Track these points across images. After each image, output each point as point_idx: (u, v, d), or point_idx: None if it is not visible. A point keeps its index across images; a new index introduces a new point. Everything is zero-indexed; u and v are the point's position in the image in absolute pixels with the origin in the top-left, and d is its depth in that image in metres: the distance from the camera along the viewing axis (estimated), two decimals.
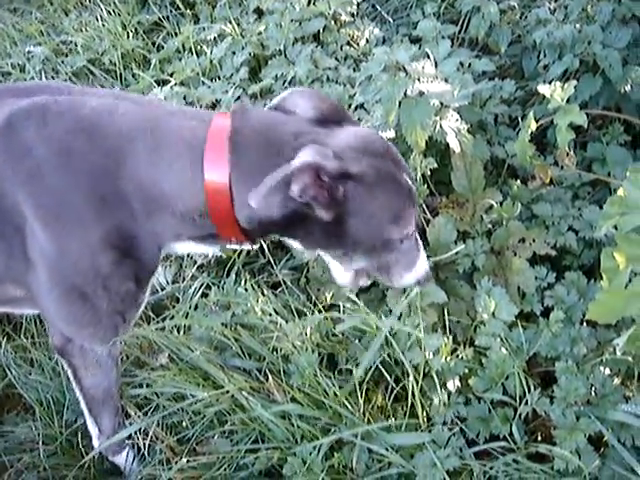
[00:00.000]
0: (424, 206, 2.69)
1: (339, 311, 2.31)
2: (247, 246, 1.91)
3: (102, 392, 2.13)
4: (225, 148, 1.71)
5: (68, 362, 2.07)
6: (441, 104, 2.57)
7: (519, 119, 3.03)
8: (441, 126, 2.53)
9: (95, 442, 2.25)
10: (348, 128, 1.78)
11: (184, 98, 3.31)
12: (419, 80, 2.50)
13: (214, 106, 3.25)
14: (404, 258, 1.90)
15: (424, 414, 2.16)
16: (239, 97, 3.18)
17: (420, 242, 1.96)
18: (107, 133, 1.77)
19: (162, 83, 3.51)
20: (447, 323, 2.27)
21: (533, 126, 2.40)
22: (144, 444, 2.24)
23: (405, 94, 2.44)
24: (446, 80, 2.68)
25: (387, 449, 2.09)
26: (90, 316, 1.89)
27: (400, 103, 2.43)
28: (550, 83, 2.38)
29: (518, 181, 2.80)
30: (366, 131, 1.81)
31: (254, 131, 1.74)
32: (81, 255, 1.79)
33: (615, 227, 1.81)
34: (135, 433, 2.25)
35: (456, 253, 2.50)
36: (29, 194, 1.76)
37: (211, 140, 1.72)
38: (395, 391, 2.18)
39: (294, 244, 1.90)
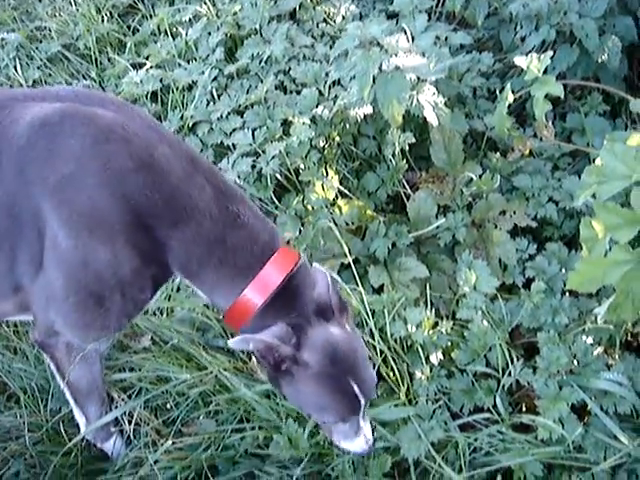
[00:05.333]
0: (404, 181, 2.69)
1: None
2: None
3: (87, 384, 2.12)
4: (269, 292, 1.82)
5: (51, 355, 2.04)
6: (418, 78, 2.56)
7: (498, 92, 3.02)
8: (418, 100, 2.52)
9: (83, 430, 2.24)
10: (333, 327, 1.87)
11: (160, 81, 3.28)
12: (396, 55, 2.48)
13: (190, 88, 3.22)
14: (342, 432, 1.97)
15: (407, 388, 2.16)
16: (215, 78, 3.16)
17: (364, 424, 1.97)
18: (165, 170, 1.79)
19: (138, 66, 3.48)
20: (429, 297, 2.27)
21: (510, 98, 2.39)
22: (129, 428, 2.23)
23: (380, 69, 2.43)
24: (423, 54, 2.67)
25: (372, 424, 2.09)
26: (101, 320, 1.87)
27: (375, 78, 2.42)
28: (527, 55, 2.37)
29: (497, 154, 2.80)
30: (340, 337, 1.87)
31: (287, 294, 1.86)
32: (107, 264, 1.77)
33: (593, 196, 1.81)
34: (121, 417, 2.25)
35: (437, 227, 2.51)
36: (59, 202, 1.73)
37: (264, 274, 1.83)
38: (378, 366, 2.18)
39: None
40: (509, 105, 2.42)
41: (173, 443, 2.18)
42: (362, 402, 1.87)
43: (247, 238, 1.84)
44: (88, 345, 1.99)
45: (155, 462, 2.16)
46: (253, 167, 2.73)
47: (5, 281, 1.86)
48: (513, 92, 2.40)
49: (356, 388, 1.84)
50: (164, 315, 2.45)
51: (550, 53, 2.36)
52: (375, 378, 1.93)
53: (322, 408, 1.89)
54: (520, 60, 2.37)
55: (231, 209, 1.83)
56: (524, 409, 2.17)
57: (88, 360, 2.03)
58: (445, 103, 2.61)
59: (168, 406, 2.30)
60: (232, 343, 1.78)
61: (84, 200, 1.73)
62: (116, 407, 2.25)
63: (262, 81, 3.08)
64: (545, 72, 2.34)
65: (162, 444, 2.18)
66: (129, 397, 2.29)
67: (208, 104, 3.09)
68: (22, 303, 1.91)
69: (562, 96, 2.33)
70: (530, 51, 2.81)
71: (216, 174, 1.89)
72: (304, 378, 1.82)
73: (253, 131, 2.82)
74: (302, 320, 1.83)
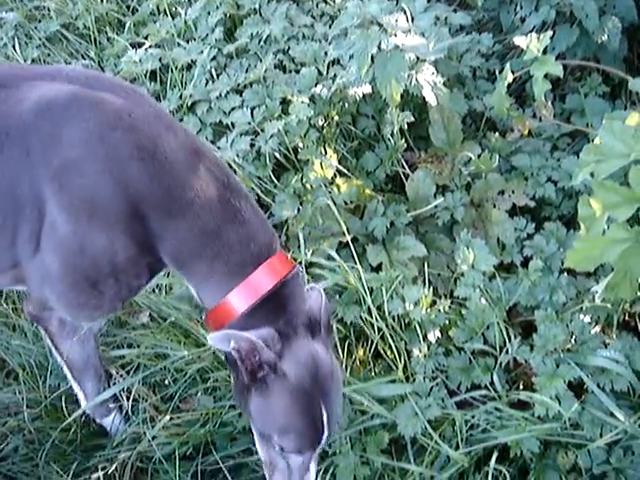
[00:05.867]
0: (403, 161, 2.69)
1: (320, 267, 2.32)
2: None
3: (81, 360, 2.13)
4: (257, 298, 1.76)
5: (45, 328, 2.05)
6: (417, 58, 2.55)
7: (497, 73, 3.02)
8: (417, 80, 2.51)
9: (83, 405, 2.26)
10: (318, 344, 1.81)
11: (160, 60, 3.27)
12: (395, 35, 2.48)
13: (189, 67, 3.21)
14: (286, 471, 1.87)
15: (405, 365, 2.17)
16: (214, 57, 3.15)
17: (313, 468, 1.87)
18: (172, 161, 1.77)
19: (137, 46, 3.47)
20: (427, 276, 2.28)
21: (509, 78, 2.39)
22: (128, 404, 2.24)
23: (379, 48, 2.42)
24: (422, 34, 2.66)
25: (369, 401, 2.10)
26: (95, 302, 1.87)
27: (374, 57, 2.41)
28: (527, 35, 2.37)
29: (497, 134, 2.80)
30: (324, 356, 1.80)
31: (277, 300, 1.80)
32: (104, 251, 1.76)
33: (591, 175, 1.81)
34: (119, 393, 2.25)
35: (435, 207, 2.51)
36: (60, 187, 1.71)
37: (255, 278, 1.78)
38: (376, 342, 2.18)
39: None
40: (508, 85, 2.41)
41: (171, 419, 2.20)
42: (324, 436, 1.78)
43: (245, 235, 1.79)
44: (81, 323, 2.00)
45: (153, 438, 2.17)
46: (252, 146, 2.72)
47: (5, 257, 1.86)
48: (513, 72, 2.40)
49: (325, 416, 1.76)
50: (163, 292, 2.46)
51: (550, 33, 2.35)
52: (342, 416, 1.86)
53: (287, 429, 1.77)
54: (520, 40, 2.37)
55: (233, 204, 1.79)
56: (521, 386, 2.18)
57: (81, 337, 2.04)
58: (444, 83, 2.61)
59: (166, 382, 2.31)
60: (213, 338, 1.71)
61: (85, 186, 1.72)
62: (114, 383, 2.26)
63: (261, 60, 3.07)
64: (545, 52, 2.33)
65: (160, 420, 2.19)
66: (127, 373, 2.30)
67: (207, 83, 3.08)
68: (17, 277, 1.92)
69: (561, 76, 2.33)
70: (530, 31, 2.80)
71: (221, 167, 1.86)
72: (278, 390, 1.73)
73: (252, 110, 2.81)
74: (289, 329, 1.77)
